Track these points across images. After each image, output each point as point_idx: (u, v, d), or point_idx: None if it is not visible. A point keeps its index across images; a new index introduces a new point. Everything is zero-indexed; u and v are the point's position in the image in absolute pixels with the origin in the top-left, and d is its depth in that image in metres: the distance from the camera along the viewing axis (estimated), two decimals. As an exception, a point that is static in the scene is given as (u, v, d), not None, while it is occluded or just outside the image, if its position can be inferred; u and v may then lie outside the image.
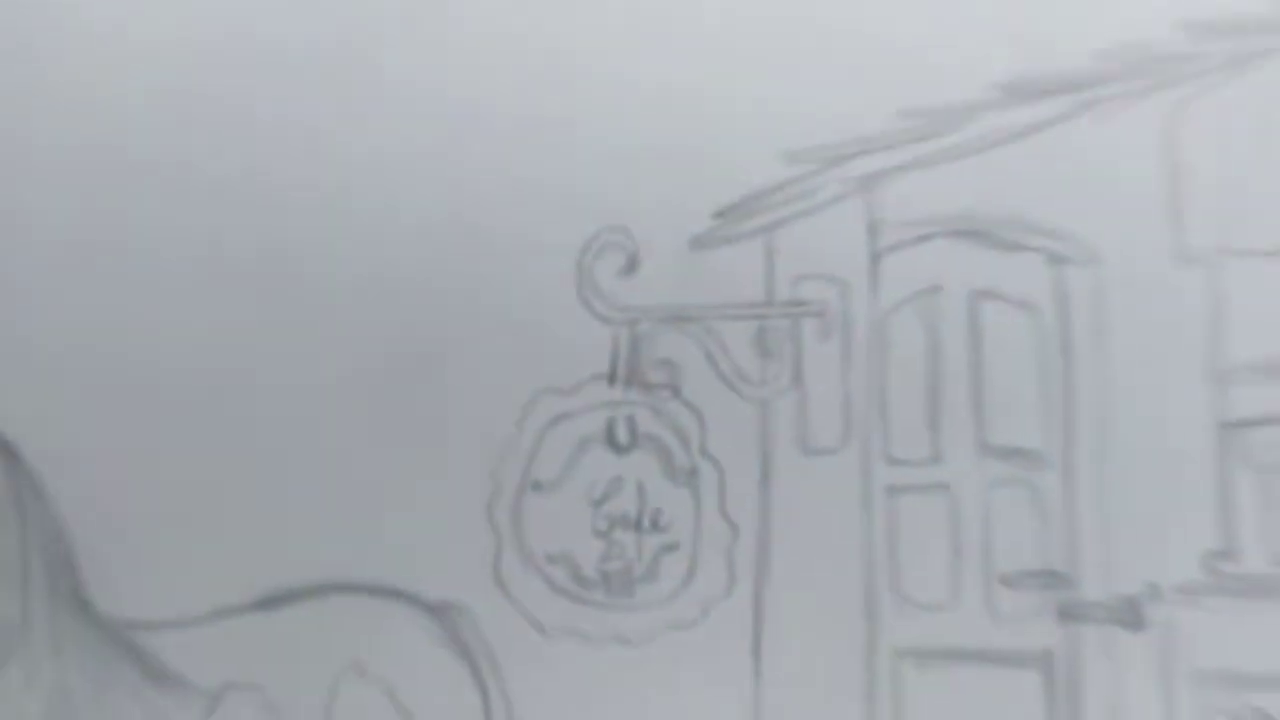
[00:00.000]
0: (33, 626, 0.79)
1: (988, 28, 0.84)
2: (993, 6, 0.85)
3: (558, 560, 0.81)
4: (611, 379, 0.83)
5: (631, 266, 0.83)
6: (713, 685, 0.82)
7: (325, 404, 0.82)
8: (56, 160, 0.91)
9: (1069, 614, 0.82)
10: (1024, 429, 0.84)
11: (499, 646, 0.81)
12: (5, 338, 0.85)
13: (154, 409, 0.82)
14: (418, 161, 0.85)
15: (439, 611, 0.81)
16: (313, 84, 0.88)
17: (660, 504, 0.82)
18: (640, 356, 0.84)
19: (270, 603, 0.82)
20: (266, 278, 0.87)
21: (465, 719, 0.81)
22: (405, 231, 0.83)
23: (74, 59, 0.91)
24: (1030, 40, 0.84)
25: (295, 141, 0.86)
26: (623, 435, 0.83)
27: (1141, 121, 0.85)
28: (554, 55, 0.88)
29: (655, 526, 0.82)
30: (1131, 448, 0.83)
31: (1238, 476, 0.83)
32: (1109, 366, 0.83)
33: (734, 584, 0.81)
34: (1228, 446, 0.83)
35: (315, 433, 0.82)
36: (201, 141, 0.86)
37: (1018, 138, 0.85)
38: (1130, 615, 0.82)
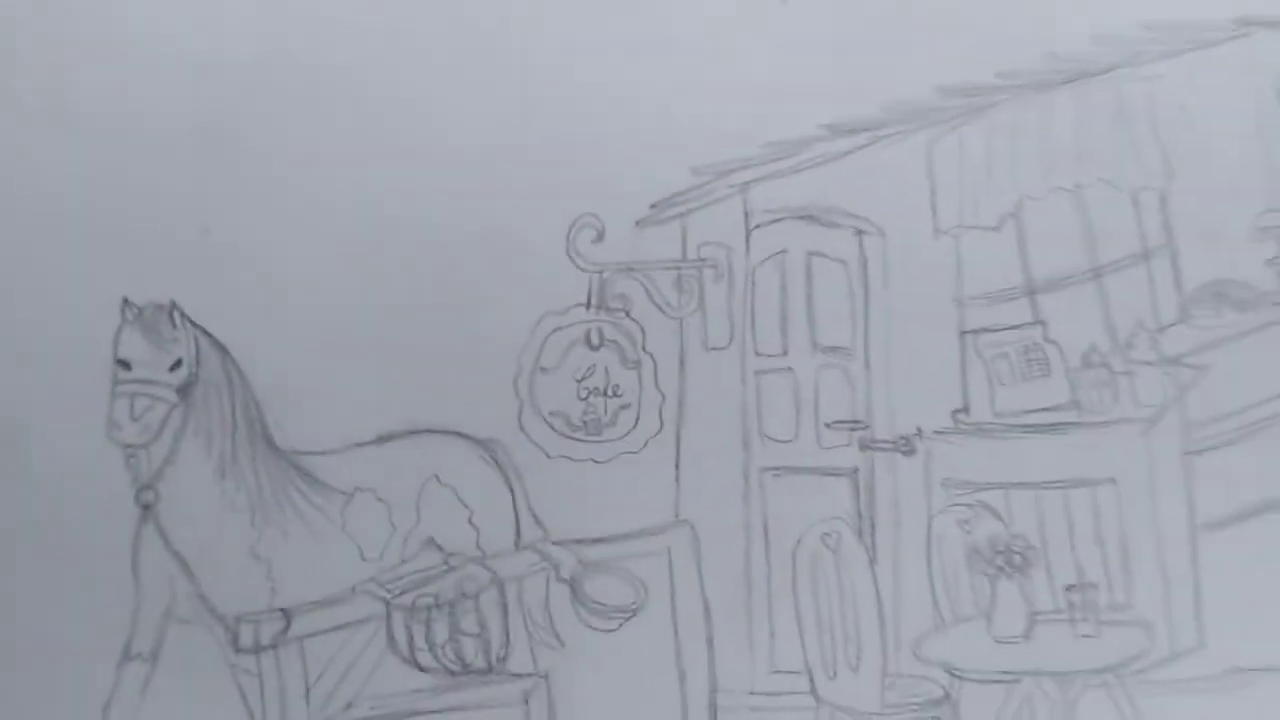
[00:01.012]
0: (238, 455, 0.90)
1: (818, 91, 0.95)
2: (822, 75, 0.95)
3: (556, 414, 0.93)
4: (588, 305, 0.94)
5: (600, 238, 0.94)
6: (649, 485, 0.92)
7: (418, 317, 0.91)
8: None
9: (867, 445, 0.95)
10: (839, 334, 0.97)
11: (521, 465, 0.92)
12: (217, 273, 0.91)
13: (311, 323, 0.91)
14: (470, 178, 0.94)
15: (485, 444, 0.92)
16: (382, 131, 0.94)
17: (618, 380, 0.94)
18: (605, 292, 0.95)
19: (384, 439, 0.91)
20: (384, 238, 0.92)
21: (500, 507, 0.91)
22: (470, 217, 0.93)
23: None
24: (842, 98, 0.94)
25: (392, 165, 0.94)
26: (595, 339, 0.94)
27: (912, 149, 0.96)
28: (564, 104, 0.95)
29: (615, 394, 0.94)
30: (908, 343, 0.94)
31: (970, 363, 0.95)
32: (891, 299, 0.95)
33: (663, 428, 0.93)
34: (965, 345, 0.95)
35: (412, 336, 0.91)
36: (341, 144, 0.93)
37: (837, 159, 0.96)
38: (905, 446, 0.95)
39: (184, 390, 0.90)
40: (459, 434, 0.92)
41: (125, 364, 0.90)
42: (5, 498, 0.89)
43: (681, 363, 0.95)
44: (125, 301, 0.91)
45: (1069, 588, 0.91)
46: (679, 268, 0.95)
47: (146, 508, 0.89)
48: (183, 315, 0.91)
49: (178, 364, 0.90)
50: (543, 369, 0.93)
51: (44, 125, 0.94)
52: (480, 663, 0.90)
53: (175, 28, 0.96)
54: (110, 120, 0.94)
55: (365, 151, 0.96)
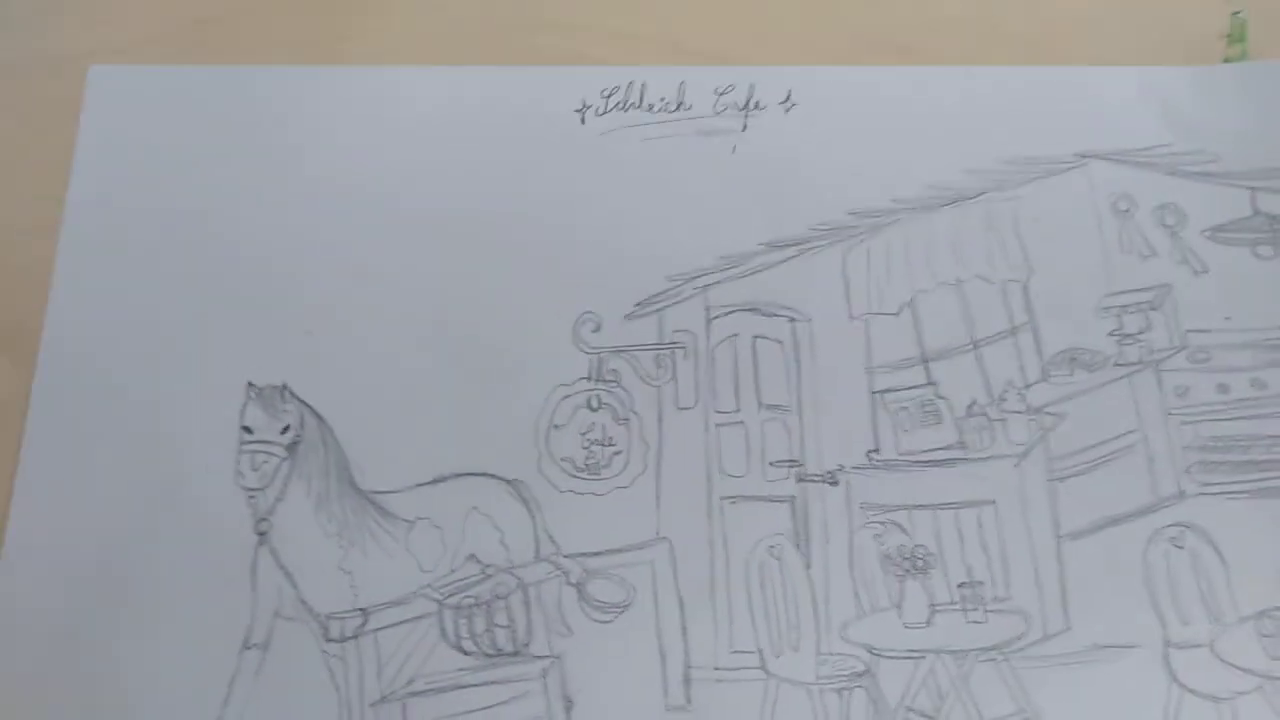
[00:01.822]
0: (330, 495, 0.98)
1: (758, 217, 1.06)
2: (761, 205, 1.06)
3: (567, 460, 1.01)
4: (589, 378, 1.02)
5: (598, 329, 1.03)
6: (636, 511, 0.99)
7: (463, 391, 1.00)
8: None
9: (802, 479, 1.01)
10: (779, 395, 1.03)
11: (540, 498, 0.99)
12: (316, 364, 1.01)
13: (383, 398, 1.01)
14: (504, 289, 1.04)
15: (513, 483, 0.99)
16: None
17: (612, 434, 1.02)
18: (602, 368, 1.03)
19: (437, 481, 0.99)
20: (439, 336, 1.02)
21: (524, 530, 0.98)
22: (503, 317, 1.03)
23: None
24: (777, 221, 1.06)
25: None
26: (595, 403, 1.02)
27: (830, 258, 1.06)
28: (571, 234, 1.05)
29: (610, 444, 1.01)
30: (831, 401, 1.02)
31: (879, 415, 1.02)
32: (818, 368, 1.03)
33: (646, 468, 1.01)
34: (875, 402, 1.02)
35: (459, 405, 1.00)
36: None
37: (774, 266, 1.05)
38: (831, 479, 1.01)
39: (291, 448, 0.99)
40: (493, 476, 1.00)
41: (248, 430, 1.00)
42: (161, 528, 0.98)
43: (660, 419, 1.02)
44: (249, 384, 1.01)
45: (961, 585, 0.98)
46: (657, 349, 1.03)
47: (262, 535, 0.97)
48: (291, 393, 1.01)
49: (286, 429, 1.00)
50: (556, 426, 1.01)
51: (180, 261, 1.06)
52: (510, 648, 0.96)
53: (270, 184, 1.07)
54: (240, 258, 1.06)
55: (431, 279, 1.05)
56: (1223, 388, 1.04)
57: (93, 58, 1.12)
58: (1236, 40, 1.13)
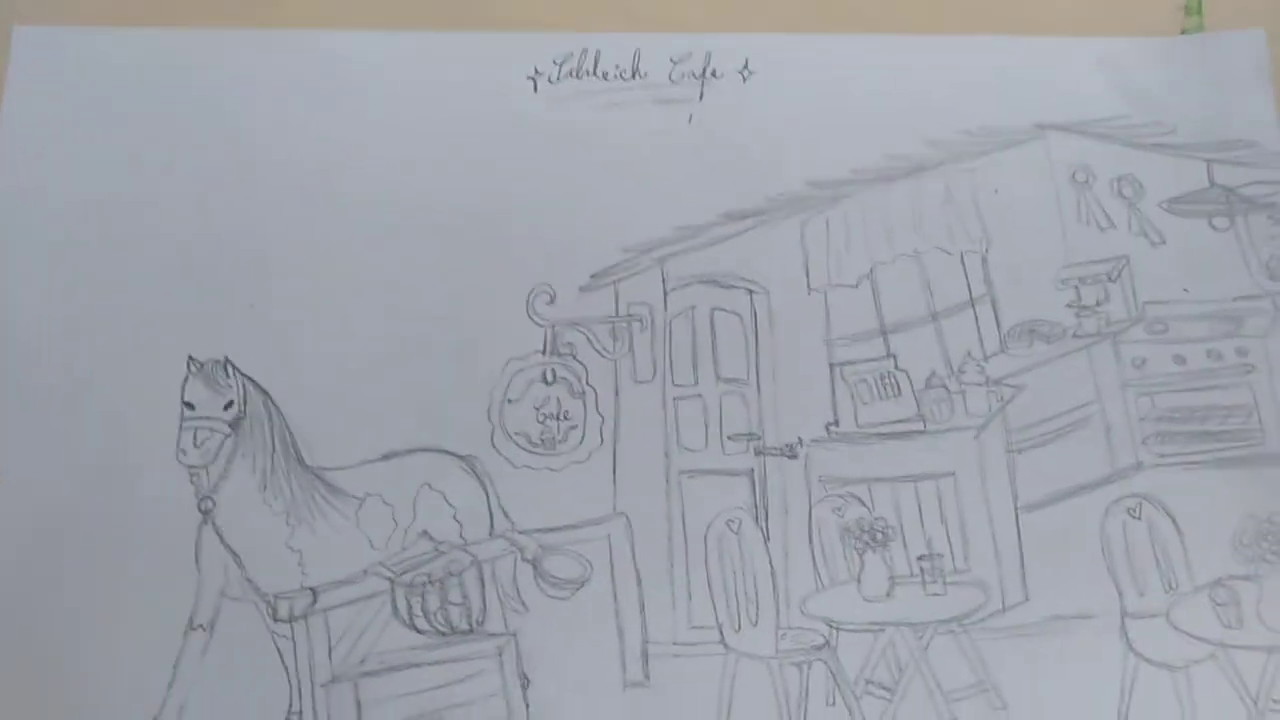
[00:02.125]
0: (276, 472, 0.96)
1: (716, 187, 1.05)
2: (719, 175, 1.05)
3: (520, 434, 0.99)
4: (544, 352, 1.01)
5: (552, 301, 1.02)
6: (592, 486, 0.98)
7: (414, 364, 0.99)
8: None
9: (760, 452, 1.01)
10: (736, 368, 1.03)
11: (494, 473, 0.98)
12: (259, 336, 0.99)
13: (330, 371, 0.99)
14: (456, 260, 1.02)
15: (466, 459, 0.98)
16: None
17: (568, 408, 1.01)
18: (557, 341, 1.01)
19: (388, 457, 0.98)
20: (387, 306, 1.00)
21: (478, 506, 0.97)
22: (455, 288, 1.01)
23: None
24: (735, 191, 1.05)
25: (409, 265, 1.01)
26: (549, 377, 1.01)
27: (789, 229, 1.05)
28: (527, 202, 1.03)
29: (566, 418, 1.00)
30: (790, 373, 1.01)
31: (838, 388, 1.02)
32: (776, 341, 1.03)
33: (603, 442, 1.00)
34: (834, 374, 1.02)
35: (410, 378, 0.99)
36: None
37: (732, 237, 1.04)
38: (790, 452, 1.01)
39: (234, 424, 0.97)
40: (446, 451, 0.99)
41: (190, 405, 0.97)
42: (101, 508, 0.96)
43: (616, 393, 1.01)
44: (190, 359, 0.99)
45: (920, 557, 0.99)
46: (613, 322, 1.03)
47: (206, 513, 0.96)
48: (234, 367, 0.99)
49: (230, 404, 0.97)
50: (509, 400, 1.00)
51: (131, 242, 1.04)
52: (464, 625, 0.95)
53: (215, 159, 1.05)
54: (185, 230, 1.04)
55: (380, 250, 1.03)
56: (1179, 359, 1.04)
57: (15, 18, 1.08)
58: (1194, 12, 1.13)
